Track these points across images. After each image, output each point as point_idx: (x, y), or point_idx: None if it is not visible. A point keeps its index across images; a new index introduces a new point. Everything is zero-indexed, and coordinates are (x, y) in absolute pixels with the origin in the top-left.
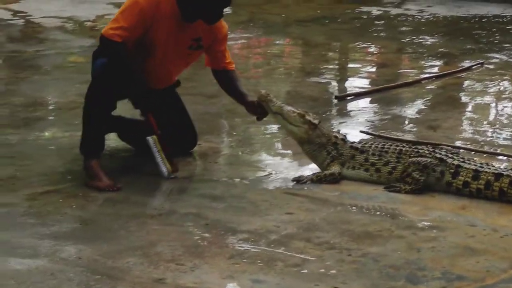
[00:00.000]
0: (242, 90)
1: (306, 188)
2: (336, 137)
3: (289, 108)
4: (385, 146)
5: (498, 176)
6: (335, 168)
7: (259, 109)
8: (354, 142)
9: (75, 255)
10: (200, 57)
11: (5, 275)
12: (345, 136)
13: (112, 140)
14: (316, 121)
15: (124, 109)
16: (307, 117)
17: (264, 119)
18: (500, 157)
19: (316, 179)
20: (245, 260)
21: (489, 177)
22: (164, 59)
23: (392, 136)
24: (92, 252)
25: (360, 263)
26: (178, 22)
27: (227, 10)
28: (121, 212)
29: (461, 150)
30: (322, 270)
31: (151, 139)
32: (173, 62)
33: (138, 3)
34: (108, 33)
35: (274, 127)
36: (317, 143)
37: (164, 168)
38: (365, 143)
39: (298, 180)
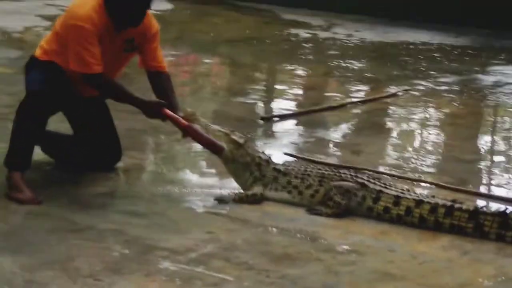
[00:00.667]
0: (173, 101)
1: (227, 208)
2: (260, 157)
3: (215, 127)
4: (308, 169)
5: (419, 202)
6: (257, 189)
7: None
8: (277, 164)
9: None
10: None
11: None
12: (269, 157)
13: (34, 152)
14: (241, 141)
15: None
16: (232, 136)
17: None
18: (424, 184)
19: (238, 199)
20: (163, 277)
21: (409, 204)
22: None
23: (316, 159)
24: (11, 264)
25: (278, 285)
26: (110, 30)
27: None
28: (41, 225)
29: (384, 176)
30: None
31: (194, 125)
32: (109, 68)
33: (84, 28)
34: (89, 68)
35: (198, 146)
36: (240, 162)
37: (221, 143)
38: (288, 166)
39: (220, 200)
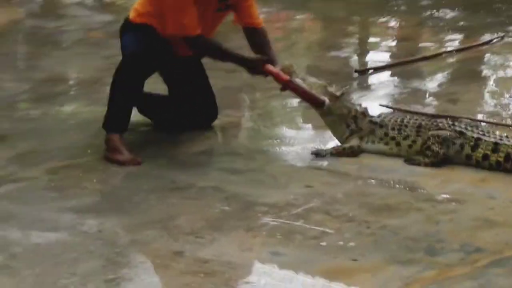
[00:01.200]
0: (271, 56)
1: (325, 161)
2: (356, 110)
3: (312, 79)
4: (405, 120)
5: None
6: (354, 142)
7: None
8: (373, 116)
9: (95, 228)
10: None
11: (26, 249)
12: (366, 109)
13: (131, 114)
14: (338, 93)
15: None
16: (329, 89)
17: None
18: None
19: (335, 153)
20: (264, 233)
21: (509, 150)
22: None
23: (412, 110)
24: (112, 225)
25: (378, 236)
26: None
27: None
28: (141, 186)
29: (482, 123)
30: (341, 243)
31: (295, 80)
32: (204, 29)
33: None
34: (188, 31)
35: (295, 101)
36: (337, 114)
37: (322, 97)
38: (385, 117)
39: (318, 154)
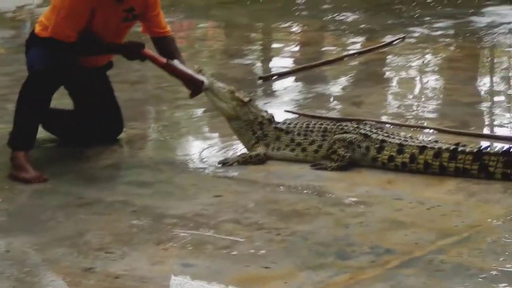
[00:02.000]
0: (181, 61)
1: (233, 170)
2: (262, 116)
3: (220, 84)
4: (310, 125)
5: (423, 149)
6: (260, 150)
7: (192, 85)
8: (279, 123)
9: (3, 248)
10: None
11: None
12: (272, 116)
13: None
14: (245, 99)
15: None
16: (236, 94)
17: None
18: (426, 130)
19: (242, 161)
20: (174, 245)
21: (413, 151)
22: (103, 38)
23: (317, 115)
24: (20, 244)
25: (289, 242)
26: (109, 0)
27: None
28: (48, 203)
29: (387, 125)
30: (252, 251)
31: (172, 61)
32: (111, 39)
33: (78, 2)
34: (62, 37)
35: (199, 111)
36: (243, 120)
37: (200, 76)
38: (290, 123)
39: (224, 163)
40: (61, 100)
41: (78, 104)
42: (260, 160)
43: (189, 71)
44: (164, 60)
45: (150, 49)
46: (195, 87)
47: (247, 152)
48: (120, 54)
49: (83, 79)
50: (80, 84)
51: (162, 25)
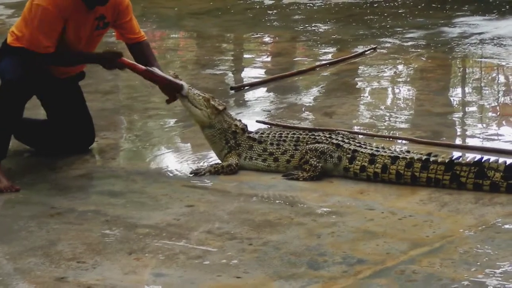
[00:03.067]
0: (156, 66)
1: (205, 180)
2: (236, 125)
3: (196, 91)
4: (283, 135)
5: (394, 159)
6: (232, 160)
7: (170, 92)
8: (251, 132)
9: None
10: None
11: None
12: (246, 126)
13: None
14: (220, 107)
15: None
16: (212, 102)
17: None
18: (399, 140)
19: (214, 171)
20: (146, 254)
21: (385, 161)
22: (75, 47)
23: (289, 125)
24: None
25: (261, 252)
26: (79, 9)
27: None
28: (21, 213)
29: (360, 136)
30: (224, 261)
31: (152, 68)
32: (83, 48)
33: (46, 9)
34: (39, 49)
35: (172, 121)
36: (217, 128)
37: (180, 81)
38: (263, 133)
39: (196, 173)
40: (34, 110)
41: (50, 113)
42: (232, 170)
43: (168, 76)
44: (142, 67)
45: (126, 57)
46: (173, 91)
47: (219, 163)
48: (97, 63)
49: (55, 89)
50: (52, 94)
51: (136, 31)
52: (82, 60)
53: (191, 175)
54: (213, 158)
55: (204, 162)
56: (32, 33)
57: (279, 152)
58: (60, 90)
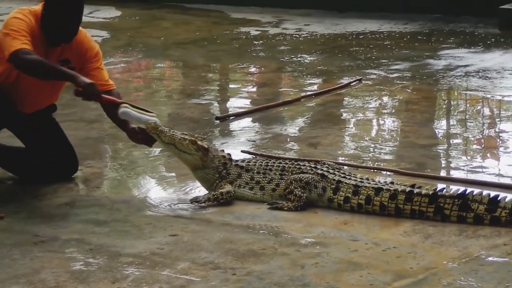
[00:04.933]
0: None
1: (189, 209)
2: (224, 157)
3: (180, 135)
4: (269, 164)
5: (378, 190)
6: (228, 187)
7: (141, 136)
8: (237, 161)
9: None
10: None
11: None
12: (230, 155)
13: None
14: (206, 145)
15: (1, 136)
16: (199, 143)
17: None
18: (383, 172)
19: (214, 198)
20: (129, 283)
21: (369, 192)
22: (33, 83)
23: (273, 155)
24: None
25: (245, 282)
26: (44, 44)
27: (105, 35)
28: (4, 240)
29: (345, 167)
30: None
31: (124, 108)
32: (43, 85)
33: (17, 18)
34: (14, 47)
35: (157, 150)
36: (210, 167)
37: (151, 117)
38: (249, 162)
39: (196, 201)
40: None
41: (27, 146)
42: (231, 196)
43: (141, 116)
44: (120, 100)
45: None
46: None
47: (217, 191)
48: (74, 83)
49: (24, 124)
50: (23, 129)
51: (105, 79)
52: (59, 73)
53: (191, 203)
54: (198, 188)
55: (190, 191)
56: (3, 40)
57: (265, 181)
58: (31, 124)
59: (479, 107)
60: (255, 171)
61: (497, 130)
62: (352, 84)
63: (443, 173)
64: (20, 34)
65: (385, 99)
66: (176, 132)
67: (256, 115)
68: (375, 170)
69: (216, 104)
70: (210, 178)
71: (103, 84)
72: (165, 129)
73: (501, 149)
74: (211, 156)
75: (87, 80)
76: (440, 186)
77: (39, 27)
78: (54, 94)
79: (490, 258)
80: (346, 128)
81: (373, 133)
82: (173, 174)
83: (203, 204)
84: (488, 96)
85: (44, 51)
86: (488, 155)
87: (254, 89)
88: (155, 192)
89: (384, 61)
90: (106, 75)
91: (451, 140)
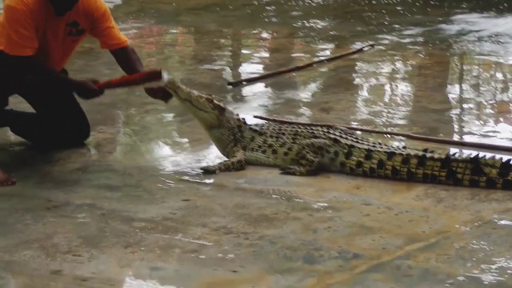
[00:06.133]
0: (141, 71)
1: (201, 174)
2: (239, 119)
3: (197, 93)
4: (282, 128)
5: (391, 154)
6: (240, 155)
7: (159, 93)
8: (251, 125)
9: None
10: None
11: None
12: (244, 119)
13: (4, 133)
14: (222, 105)
15: (14, 102)
16: (216, 102)
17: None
18: (396, 136)
19: (224, 168)
20: (142, 248)
21: (381, 156)
22: (46, 51)
23: (286, 120)
24: None
25: (257, 246)
26: (49, 14)
27: (117, 1)
28: (16, 206)
29: (357, 132)
30: (220, 255)
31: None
32: (56, 53)
33: (16, 9)
34: (16, 50)
35: (169, 116)
36: (226, 127)
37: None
38: (263, 126)
39: (207, 170)
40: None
41: (39, 112)
42: (242, 166)
43: (146, 71)
44: (117, 78)
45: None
46: (155, 79)
47: (228, 160)
48: (75, 89)
49: (36, 90)
50: (34, 95)
51: (117, 37)
52: (60, 82)
53: (201, 172)
54: (212, 152)
55: (203, 156)
56: (9, 35)
57: (278, 145)
58: (43, 90)
59: (491, 72)
60: (268, 135)
61: (509, 95)
62: (364, 49)
63: (455, 138)
64: (23, 32)
65: (398, 64)
66: (193, 91)
67: (269, 80)
68: (388, 135)
69: (228, 69)
70: (225, 139)
71: (116, 42)
72: (183, 86)
73: None
74: (227, 117)
75: (77, 81)
76: (452, 150)
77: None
78: (64, 58)
79: (503, 222)
80: (359, 93)
81: (386, 98)
82: (186, 139)
83: (214, 173)
84: (501, 60)
85: (53, 21)
86: (501, 119)
87: (267, 55)
88: (167, 157)
89: (396, 26)
90: (118, 33)
91: (463, 105)
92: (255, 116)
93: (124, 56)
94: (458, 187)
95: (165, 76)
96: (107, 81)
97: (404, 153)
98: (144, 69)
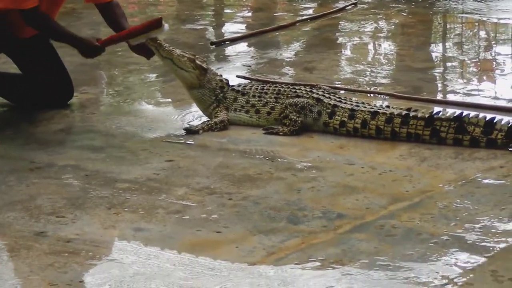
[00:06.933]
0: (127, 27)
1: (184, 135)
2: (221, 81)
3: (179, 52)
4: (265, 88)
5: (374, 114)
6: (223, 115)
7: (143, 49)
8: (234, 86)
9: None
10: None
11: None
12: (227, 80)
13: None
14: (205, 65)
15: None
16: (198, 62)
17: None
18: (379, 95)
19: (208, 128)
20: (126, 209)
21: (365, 116)
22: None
23: (269, 79)
24: None
25: (241, 207)
26: None
27: None
28: (0, 167)
29: (341, 91)
30: (204, 215)
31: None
32: (46, 7)
33: None
34: (23, 3)
35: (152, 76)
36: (207, 88)
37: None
38: (245, 86)
39: (189, 130)
40: (8, 64)
41: (24, 72)
42: (225, 126)
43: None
44: (117, 33)
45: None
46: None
47: (211, 120)
48: (78, 46)
49: (22, 50)
50: (21, 54)
51: None
52: (65, 37)
53: (184, 132)
54: (194, 112)
55: (186, 117)
56: None
57: (261, 104)
58: (29, 49)
59: (475, 30)
60: (251, 95)
61: (493, 53)
62: (347, 8)
63: (439, 96)
64: None
65: (381, 23)
66: (176, 49)
67: (251, 40)
68: (371, 94)
69: (211, 29)
70: (206, 100)
71: None
72: (165, 44)
73: (497, 71)
74: (208, 77)
75: (82, 38)
76: (436, 109)
77: None
78: (56, 14)
79: (486, 181)
80: (342, 53)
81: (369, 57)
82: (169, 99)
83: (197, 134)
84: (484, 18)
85: None
86: (484, 77)
87: (249, 14)
88: (150, 118)
89: None
90: None
91: (447, 63)
92: (238, 76)
93: (110, 10)
94: (442, 146)
95: (165, 24)
96: (108, 37)
97: (387, 112)
98: (149, 21)
